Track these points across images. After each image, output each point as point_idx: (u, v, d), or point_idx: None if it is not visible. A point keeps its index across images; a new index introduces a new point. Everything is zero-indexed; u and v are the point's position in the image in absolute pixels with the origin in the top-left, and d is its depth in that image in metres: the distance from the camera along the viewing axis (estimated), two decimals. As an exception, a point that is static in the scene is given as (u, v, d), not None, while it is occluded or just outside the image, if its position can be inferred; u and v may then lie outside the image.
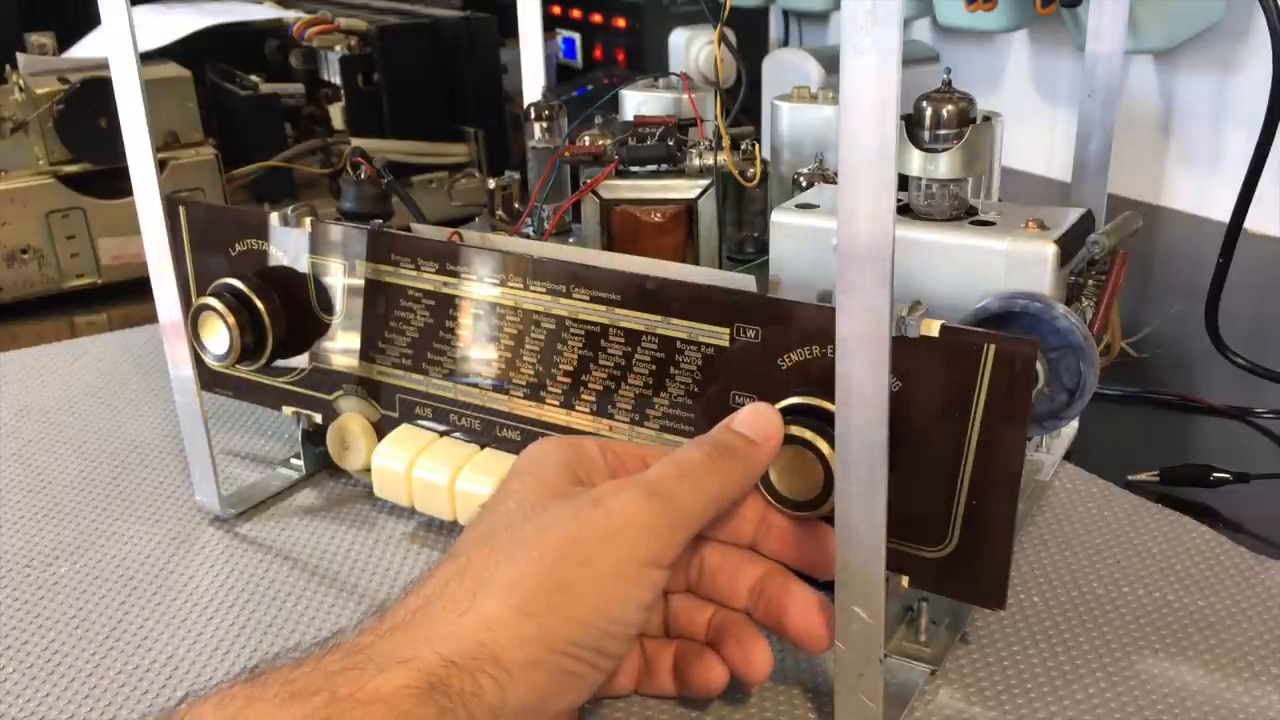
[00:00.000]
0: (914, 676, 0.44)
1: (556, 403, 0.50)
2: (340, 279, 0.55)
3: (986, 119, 0.51)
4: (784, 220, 0.53)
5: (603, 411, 0.49)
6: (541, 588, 0.35)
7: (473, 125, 1.04)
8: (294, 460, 0.61)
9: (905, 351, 0.39)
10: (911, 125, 0.50)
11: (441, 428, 0.54)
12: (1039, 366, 0.45)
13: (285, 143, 1.02)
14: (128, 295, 0.89)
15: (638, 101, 0.75)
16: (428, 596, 0.36)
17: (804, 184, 0.65)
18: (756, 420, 0.41)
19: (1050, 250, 0.47)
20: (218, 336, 0.54)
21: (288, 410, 0.59)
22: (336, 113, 1.04)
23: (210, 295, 0.54)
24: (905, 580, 0.43)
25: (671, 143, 0.64)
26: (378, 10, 1.12)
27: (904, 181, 0.51)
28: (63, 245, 0.88)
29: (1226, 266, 0.68)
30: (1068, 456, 0.59)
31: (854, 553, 0.38)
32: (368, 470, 0.56)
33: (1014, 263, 0.48)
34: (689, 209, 0.64)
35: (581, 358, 0.49)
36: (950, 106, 0.49)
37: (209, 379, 0.59)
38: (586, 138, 0.66)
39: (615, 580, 0.36)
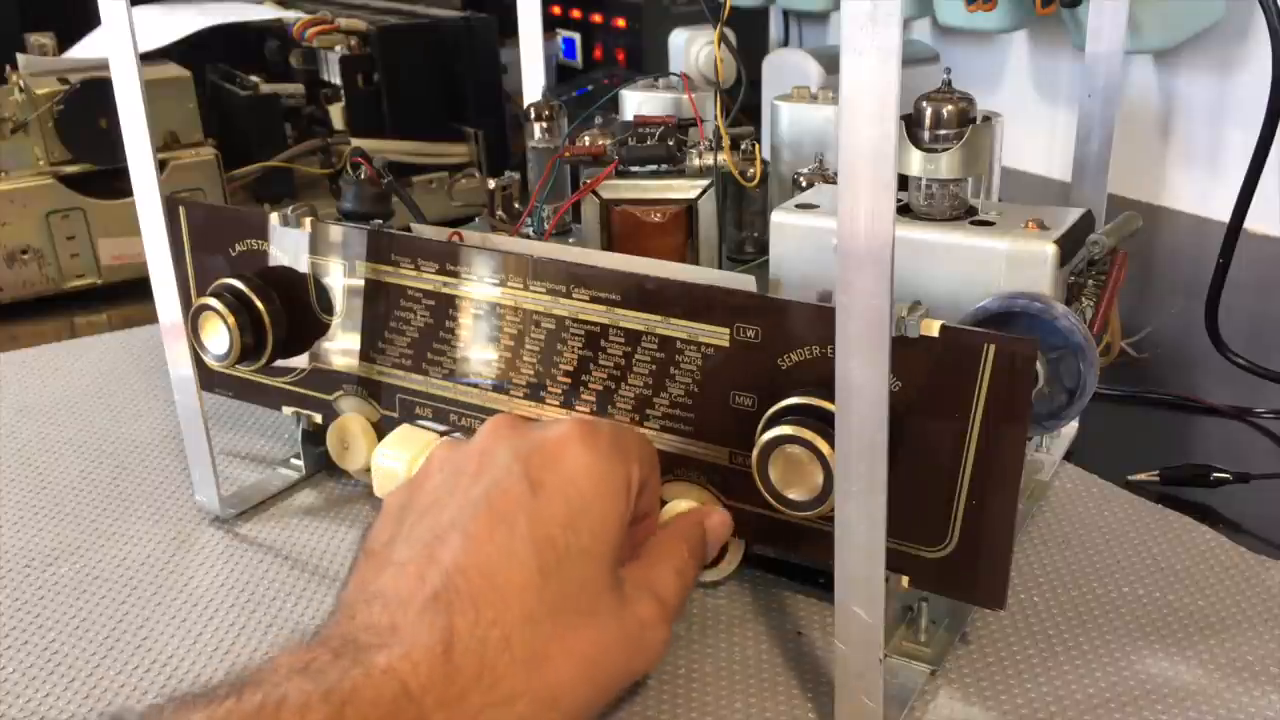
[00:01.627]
0: (914, 676, 0.44)
1: (556, 403, 0.50)
2: (340, 279, 0.55)
3: (986, 119, 0.51)
4: (784, 220, 0.53)
5: (603, 411, 0.49)
6: (581, 702, 0.39)
7: (473, 125, 1.04)
8: (294, 460, 0.61)
9: (905, 351, 0.39)
10: (911, 125, 0.50)
11: (441, 428, 0.54)
12: (1039, 366, 0.45)
13: (285, 143, 1.02)
14: (128, 295, 0.89)
15: (638, 101, 0.75)
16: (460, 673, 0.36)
17: (804, 184, 0.65)
18: (724, 530, 0.47)
19: (1050, 250, 0.47)
20: (218, 336, 0.54)
21: (288, 410, 0.59)
22: (336, 113, 1.04)
23: (210, 295, 0.54)
24: (905, 580, 0.43)
25: (671, 143, 0.64)
26: (378, 10, 1.12)
27: (904, 181, 0.51)
28: (63, 245, 0.88)
29: (1226, 266, 0.68)
30: (1068, 456, 0.59)
31: (854, 553, 0.38)
32: (368, 470, 0.56)
33: (1014, 263, 0.48)
34: (689, 209, 0.64)
35: (581, 358, 0.49)
36: (950, 106, 0.49)
37: (209, 379, 0.59)
38: (586, 138, 0.66)
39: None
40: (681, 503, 0.47)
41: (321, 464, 0.61)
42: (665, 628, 0.42)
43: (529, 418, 0.46)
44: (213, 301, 0.53)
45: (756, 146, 0.66)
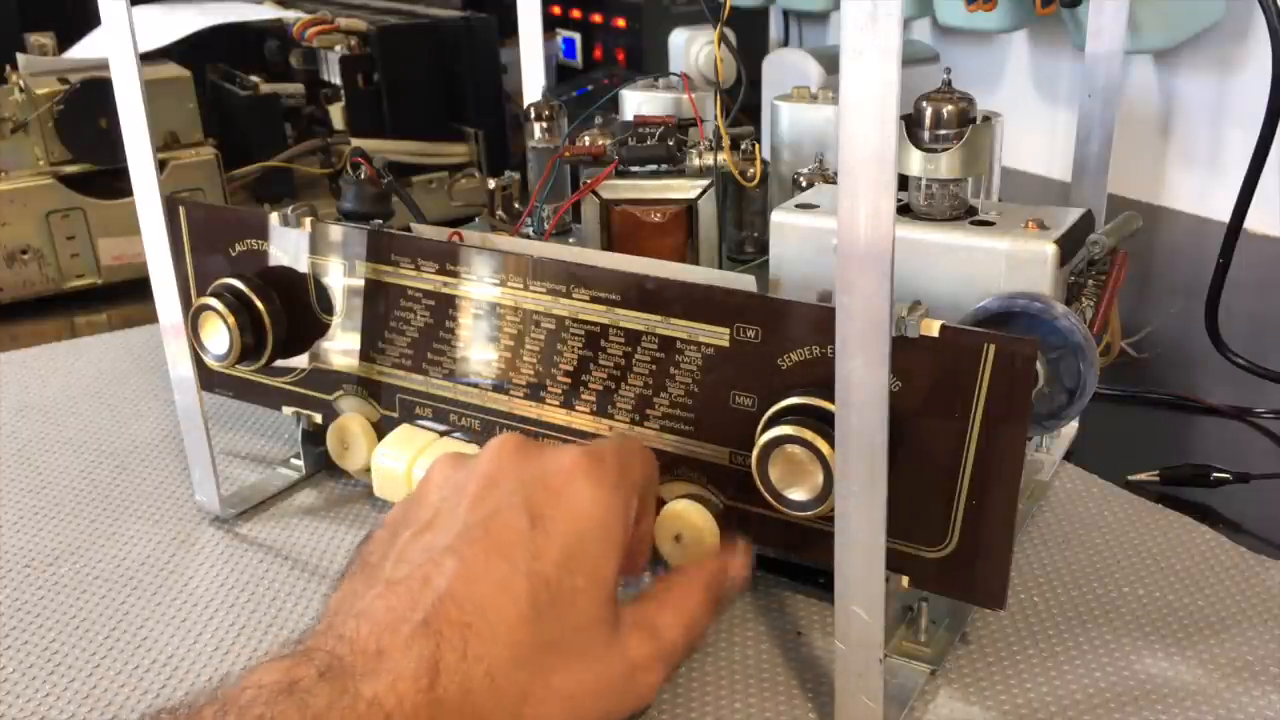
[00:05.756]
0: (914, 676, 0.44)
1: (556, 403, 0.50)
2: (340, 279, 0.55)
3: (986, 119, 0.51)
4: (784, 220, 0.53)
5: (603, 411, 0.49)
6: None
7: (473, 125, 1.04)
8: (294, 460, 0.61)
9: (905, 351, 0.39)
10: (911, 125, 0.50)
11: (441, 428, 0.54)
12: (1039, 366, 0.45)
13: (285, 143, 1.02)
14: (128, 295, 0.89)
15: (638, 101, 0.75)
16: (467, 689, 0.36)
17: (804, 184, 0.65)
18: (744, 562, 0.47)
19: (1050, 250, 0.47)
20: (218, 336, 0.54)
21: (288, 410, 0.59)
22: (336, 113, 1.04)
23: (210, 295, 0.54)
24: (905, 580, 0.43)
25: (671, 143, 0.64)
26: (378, 10, 1.12)
27: (904, 181, 0.51)
28: (63, 245, 0.88)
29: (1226, 266, 0.68)
30: (1068, 456, 0.59)
31: (854, 553, 0.38)
32: (368, 470, 0.56)
33: (1014, 263, 0.48)
34: (689, 209, 0.64)
35: (581, 358, 0.49)
36: (950, 106, 0.49)
37: (209, 379, 0.59)
38: (586, 138, 0.66)
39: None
40: (681, 503, 0.47)
41: (321, 464, 0.61)
42: (659, 671, 0.42)
43: (535, 440, 0.46)
44: (213, 301, 0.53)
45: (756, 146, 0.66)
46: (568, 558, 0.39)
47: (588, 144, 0.66)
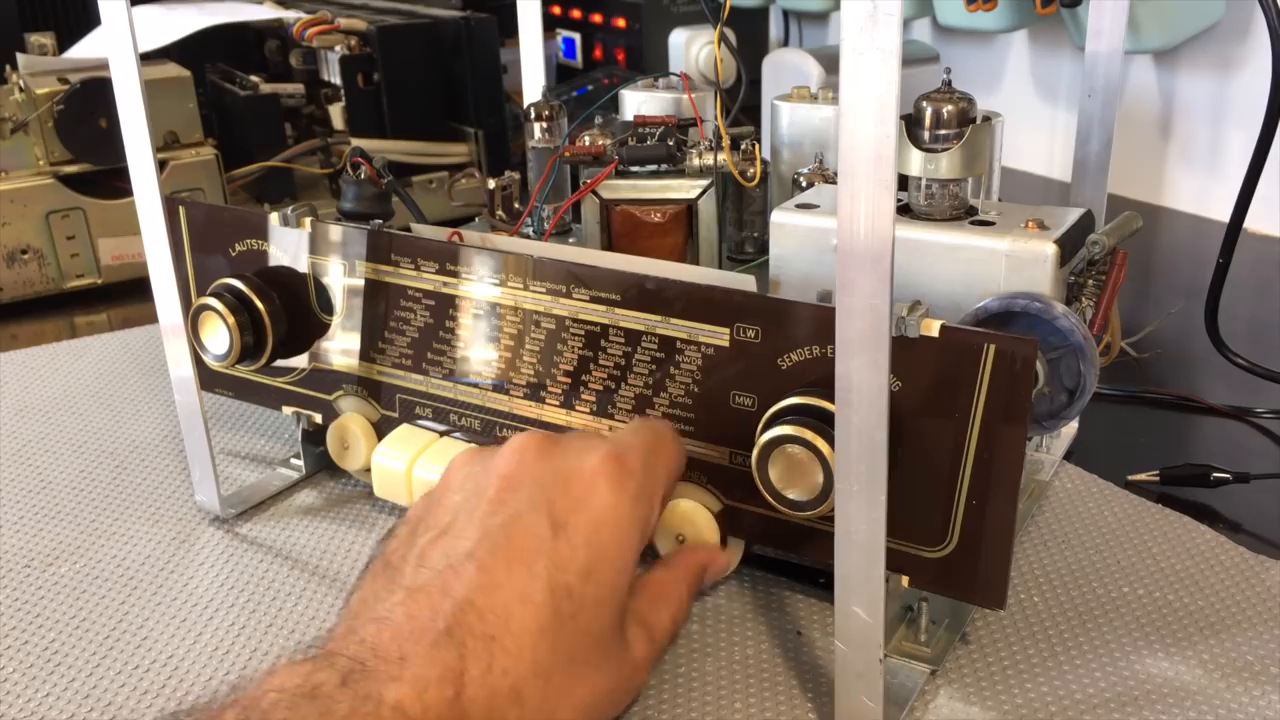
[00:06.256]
0: (914, 676, 0.44)
1: (556, 403, 0.50)
2: (340, 279, 0.55)
3: (986, 119, 0.51)
4: (784, 220, 0.53)
5: (603, 411, 0.49)
6: None
7: (473, 125, 1.04)
8: (294, 460, 0.61)
9: (905, 351, 0.40)
10: (911, 125, 0.50)
11: (441, 428, 0.54)
12: (1039, 366, 0.45)
13: (285, 143, 1.02)
14: (128, 295, 0.89)
15: (638, 101, 0.75)
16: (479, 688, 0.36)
17: (804, 184, 0.65)
18: (721, 574, 0.49)
19: (1050, 250, 0.47)
20: (218, 336, 0.54)
21: (288, 410, 0.59)
22: (336, 113, 1.04)
23: (210, 295, 0.54)
24: (905, 580, 0.43)
25: (671, 143, 0.64)
26: (378, 10, 1.12)
27: (904, 181, 0.51)
28: (63, 245, 0.88)
29: (1226, 266, 0.68)
30: (1068, 456, 0.59)
31: (854, 553, 0.38)
32: (368, 470, 0.56)
33: (1014, 263, 0.48)
34: (689, 209, 0.64)
35: (581, 358, 0.49)
36: (950, 106, 0.49)
37: (209, 379, 0.59)
38: (586, 138, 0.66)
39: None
40: (683, 503, 0.47)
41: (321, 464, 0.61)
42: (650, 668, 0.42)
43: (558, 435, 0.44)
44: (213, 301, 0.53)
45: (756, 146, 0.66)
46: (589, 568, 0.39)
47: (588, 144, 0.66)
